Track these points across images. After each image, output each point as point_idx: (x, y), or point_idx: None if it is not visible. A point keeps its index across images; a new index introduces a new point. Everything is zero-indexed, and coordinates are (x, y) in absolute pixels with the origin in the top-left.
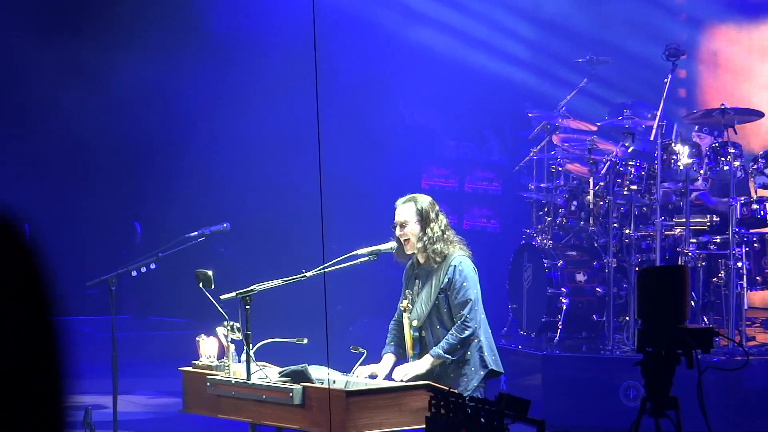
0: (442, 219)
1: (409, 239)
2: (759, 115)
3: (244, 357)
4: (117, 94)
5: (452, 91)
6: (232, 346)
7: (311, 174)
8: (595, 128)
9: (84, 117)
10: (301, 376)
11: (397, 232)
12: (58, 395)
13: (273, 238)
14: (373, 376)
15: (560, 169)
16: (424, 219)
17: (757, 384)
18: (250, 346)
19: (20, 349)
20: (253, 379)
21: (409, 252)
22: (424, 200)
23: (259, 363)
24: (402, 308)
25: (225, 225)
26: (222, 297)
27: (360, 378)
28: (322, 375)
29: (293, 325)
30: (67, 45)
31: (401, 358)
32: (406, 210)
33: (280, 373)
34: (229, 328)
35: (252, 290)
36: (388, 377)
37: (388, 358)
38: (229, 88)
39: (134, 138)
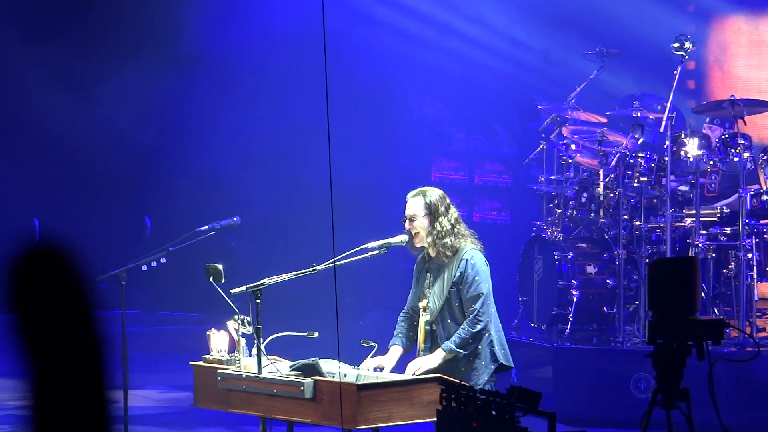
0: (453, 213)
1: (418, 233)
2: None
3: (254, 351)
4: (126, 90)
5: (461, 83)
6: (243, 340)
7: (321, 168)
8: (605, 120)
9: (92, 113)
10: (312, 370)
11: (407, 225)
12: (103, 388)
13: (283, 231)
14: (380, 368)
15: (570, 161)
16: (433, 213)
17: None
18: (261, 340)
19: (74, 352)
20: (264, 373)
21: (418, 245)
22: (434, 194)
23: (269, 357)
24: (422, 307)
25: (235, 219)
26: (232, 291)
27: (370, 371)
28: (333, 368)
29: (304, 318)
30: (67, 47)
31: (408, 351)
32: (415, 203)
33: (290, 366)
34: (239, 322)
35: (262, 284)
36: (396, 369)
37: (395, 350)
38: (238, 83)
39: (144, 133)
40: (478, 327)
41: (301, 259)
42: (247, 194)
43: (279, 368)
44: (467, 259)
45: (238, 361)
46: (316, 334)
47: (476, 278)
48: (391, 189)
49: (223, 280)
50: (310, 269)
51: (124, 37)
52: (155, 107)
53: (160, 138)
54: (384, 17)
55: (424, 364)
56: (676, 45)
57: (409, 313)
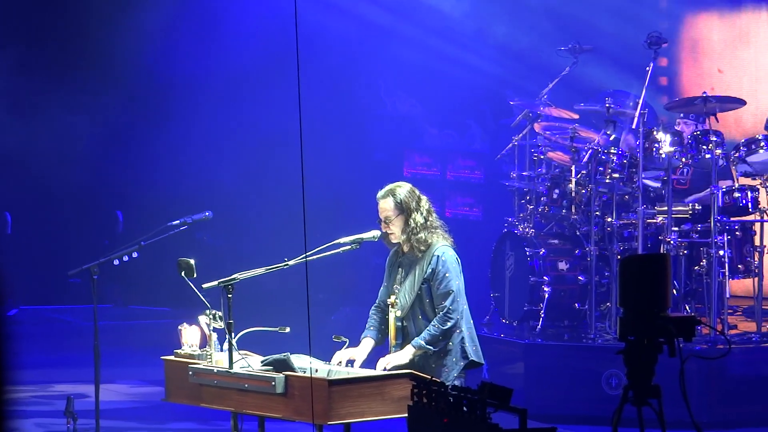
0: (424, 205)
1: (394, 232)
2: (740, 103)
3: (226, 346)
4: (99, 83)
5: (434, 79)
6: (215, 335)
7: (293, 162)
8: (577, 116)
9: (64, 103)
10: (283, 365)
11: (382, 227)
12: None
13: (256, 226)
14: (351, 361)
15: (542, 157)
16: (405, 210)
17: (739, 372)
18: (233, 334)
19: None
20: (236, 368)
21: (394, 242)
22: (402, 190)
23: (241, 352)
24: (390, 303)
25: (207, 213)
26: (204, 286)
27: (342, 366)
28: (304, 364)
29: (276, 313)
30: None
31: (380, 344)
32: (386, 204)
33: (262, 362)
34: (211, 316)
35: (234, 279)
36: (368, 362)
37: (367, 342)
38: (210, 76)
39: (117, 125)
40: (449, 324)
41: (274, 254)
42: (220, 189)
43: (250, 363)
44: (438, 256)
45: (209, 356)
46: (288, 329)
47: (447, 275)
48: (363, 184)
49: (195, 275)
50: (282, 264)
51: (89, 49)
52: (129, 101)
53: (132, 132)
54: (356, 11)
55: (393, 359)
56: (649, 41)
57: (381, 306)
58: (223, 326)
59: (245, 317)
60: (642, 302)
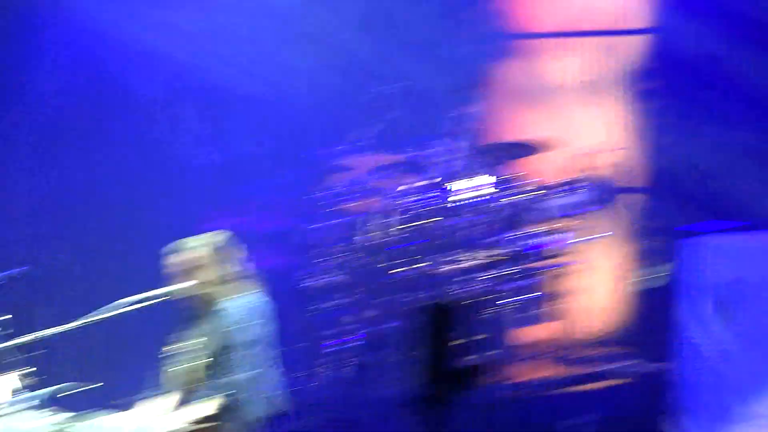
0: (226, 255)
1: (188, 286)
2: (538, 149)
3: (30, 404)
4: None
5: (237, 128)
6: (20, 394)
7: (102, 215)
8: (380, 163)
9: None
10: (86, 424)
11: (182, 278)
12: None
13: (75, 281)
14: (152, 418)
15: (344, 206)
16: (206, 261)
17: (531, 419)
18: (37, 392)
19: None
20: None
21: (193, 293)
22: (200, 243)
23: (46, 410)
24: (185, 349)
25: (21, 269)
26: (7, 344)
27: (144, 421)
28: (109, 422)
29: (87, 369)
30: None
31: (180, 398)
32: (187, 256)
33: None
34: (15, 376)
35: (20, 341)
36: (166, 421)
37: (164, 400)
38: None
39: None
40: (243, 375)
41: (86, 308)
42: (39, 243)
43: (53, 421)
44: (234, 306)
45: (13, 416)
46: (86, 387)
47: (242, 325)
48: (162, 240)
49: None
50: (89, 320)
51: None
52: None
53: None
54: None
55: (191, 413)
56: (454, 88)
57: (176, 360)
58: (26, 385)
59: (63, 374)
60: (432, 352)
